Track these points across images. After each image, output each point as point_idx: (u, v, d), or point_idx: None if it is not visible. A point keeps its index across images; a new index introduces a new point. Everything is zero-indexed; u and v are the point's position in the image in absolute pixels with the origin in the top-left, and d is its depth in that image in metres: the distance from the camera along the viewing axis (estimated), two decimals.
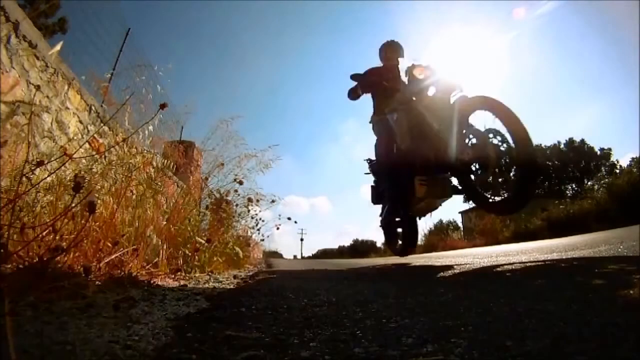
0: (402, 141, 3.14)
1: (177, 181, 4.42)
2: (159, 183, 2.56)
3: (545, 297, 1.02)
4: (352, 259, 11.73)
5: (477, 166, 2.72)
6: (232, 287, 1.82)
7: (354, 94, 3.82)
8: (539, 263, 2.00)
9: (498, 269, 1.98)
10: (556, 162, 32.09)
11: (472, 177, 2.82)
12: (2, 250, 0.96)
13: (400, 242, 4.00)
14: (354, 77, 3.70)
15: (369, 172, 4.14)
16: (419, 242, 9.05)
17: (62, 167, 1.53)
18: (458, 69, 3.02)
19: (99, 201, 1.65)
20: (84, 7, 4.36)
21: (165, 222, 2.37)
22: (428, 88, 2.94)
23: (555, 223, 8.49)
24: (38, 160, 1.21)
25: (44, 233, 1.13)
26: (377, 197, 3.97)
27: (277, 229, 4.58)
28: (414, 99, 3.01)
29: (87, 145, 2.39)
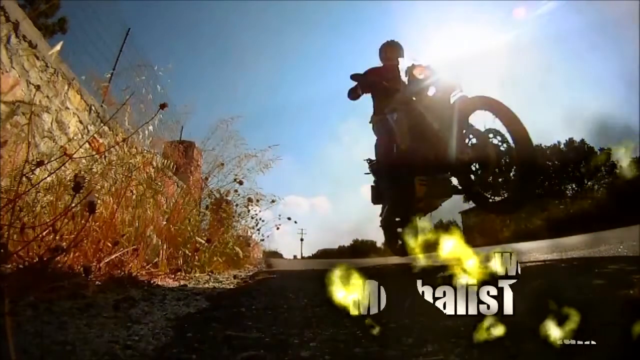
0: (402, 141, 3.14)
1: (177, 181, 4.42)
2: (159, 183, 2.56)
3: (545, 297, 1.02)
4: (352, 259, 11.71)
5: (477, 166, 2.72)
6: (232, 287, 1.82)
7: (354, 94, 3.81)
8: (539, 263, 2.00)
9: None
10: (556, 162, 32.06)
11: (472, 177, 2.82)
12: (2, 250, 0.96)
13: (400, 242, 3.99)
14: (354, 77, 3.69)
15: (369, 172, 4.13)
16: None
17: (62, 167, 1.53)
18: (458, 69, 3.02)
19: (99, 201, 1.65)
20: (84, 7, 4.36)
21: (165, 222, 2.37)
22: (428, 88, 2.94)
23: (555, 223, 8.50)
24: (38, 160, 1.21)
25: (44, 233, 1.13)
26: (377, 197, 3.96)
27: (277, 229, 4.58)
28: (414, 99, 3.01)
29: (87, 145, 2.39)
